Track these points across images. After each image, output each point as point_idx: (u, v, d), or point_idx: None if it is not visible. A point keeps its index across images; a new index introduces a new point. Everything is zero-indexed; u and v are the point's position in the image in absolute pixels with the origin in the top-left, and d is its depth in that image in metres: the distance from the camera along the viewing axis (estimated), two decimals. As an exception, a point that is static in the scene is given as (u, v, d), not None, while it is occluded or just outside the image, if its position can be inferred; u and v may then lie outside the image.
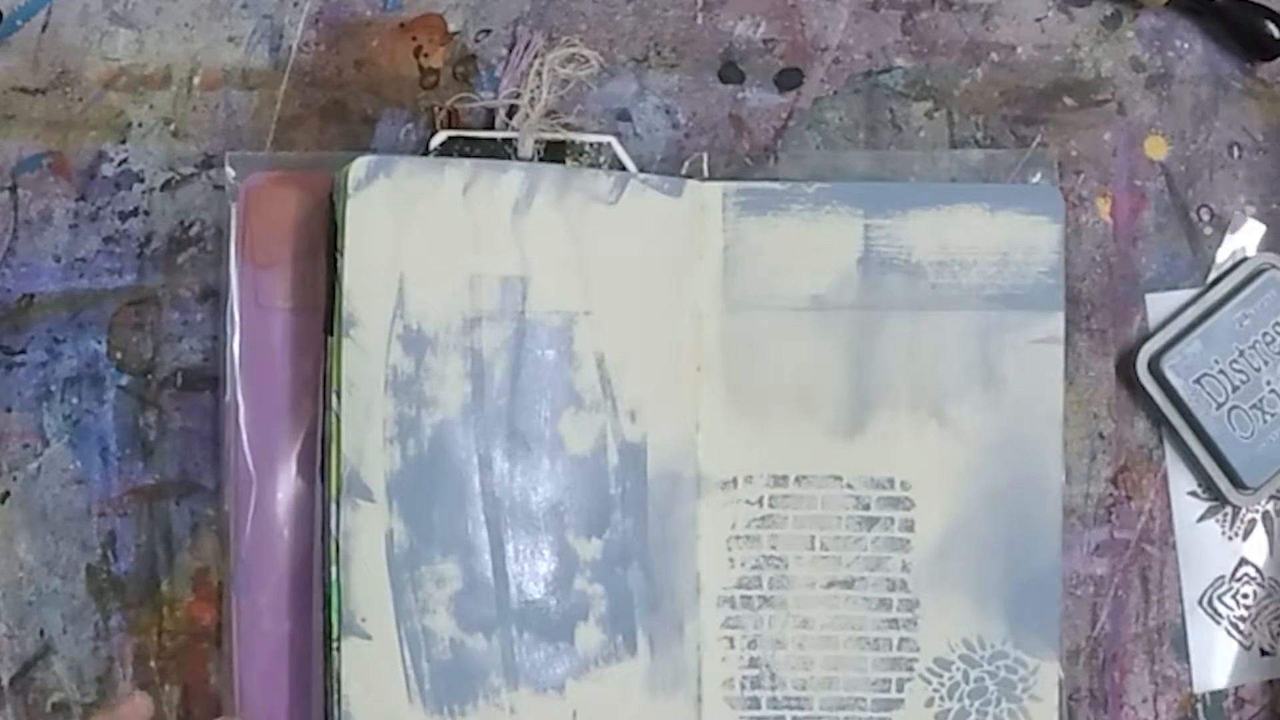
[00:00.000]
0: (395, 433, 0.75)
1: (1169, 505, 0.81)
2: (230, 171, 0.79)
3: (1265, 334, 0.79)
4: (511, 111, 0.80)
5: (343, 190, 0.75)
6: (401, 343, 0.76)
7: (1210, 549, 0.81)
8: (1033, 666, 0.78)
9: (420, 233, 0.76)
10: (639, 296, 0.77)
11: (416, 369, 0.76)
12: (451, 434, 0.76)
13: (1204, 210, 0.82)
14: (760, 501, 0.79)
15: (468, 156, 0.79)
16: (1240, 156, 0.82)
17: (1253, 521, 0.81)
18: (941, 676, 0.78)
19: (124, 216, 0.81)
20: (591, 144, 0.80)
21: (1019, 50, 0.82)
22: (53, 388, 0.80)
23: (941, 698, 0.78)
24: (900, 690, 0.79)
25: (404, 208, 0.76)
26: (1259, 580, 0.81)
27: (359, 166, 0.75)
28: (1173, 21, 0.83)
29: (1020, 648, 0.78)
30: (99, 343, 0.81)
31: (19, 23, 0.82)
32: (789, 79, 0.82)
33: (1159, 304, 0.81)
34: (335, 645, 0.75)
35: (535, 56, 0.81)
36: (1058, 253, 0.79)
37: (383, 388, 0.75)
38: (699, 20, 0.83)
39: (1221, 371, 0.79)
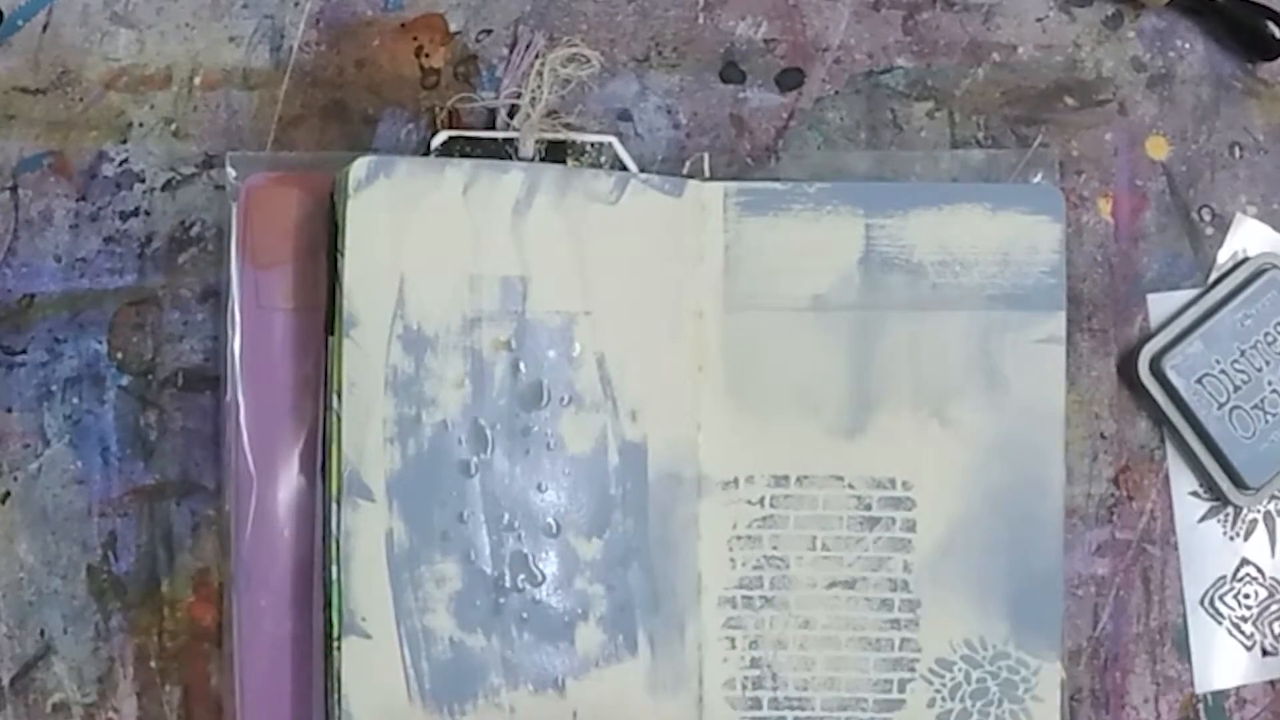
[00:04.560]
0: (395, 433, 0.75)
1: (1170, 505, 0.81)
2: (231, 172, 0.79)
3: (1267, 334, 0.79)
4: (512, 111, 0.80)
5: (343, 191, 0.75)
6: (401, 343, 0.76)
7: (1212, 549, 0.81)
8: (1035, 667, 0.78)
9: (420, 233, 0.76)
10: (639, 296, 0.77)
11: (416, 369, 0.76)
12: (451, 434, 0.76)
13: (1205, 210, 0.82)
14: (761, 502, 0.79)
15: (469, 156, 0.79)
16: (1241, 156, 0.82)
17: (1254, 522, 0.81)
18: (943, 677, 0.78)
19: (125, 216, 0.81)
20: (593, 144, 0.80)
21: (1020, 50, 0.82)
22: (53, 388, 0.80)
23: (943, 698, 0.78)
24: (902, 691, 0.78)
25: (404, 208, 0.76)
26: (1260, 580, 0.81)
27: (359, 167, 0.75)
28: (1174, 22, 0.83)
29: (1022, 648, 0.78)
30: (100, 343, 0.81)
31: (20, 23, 0.82)
32: (790, 79, 0.82)
33: (1160, 304, 0.81)
34: (336, 644, 0.75)
35: (536, 56, 0.81)
36: (1059, 252, 0.79)
37: (383, 388, 0.75)
38: (700, 20, 0.83)
39: (1223, 371, 0.79)
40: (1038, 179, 0.81)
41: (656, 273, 0.78)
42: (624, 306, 0.77)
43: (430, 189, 0.76)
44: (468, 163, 0.77)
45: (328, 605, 0.76)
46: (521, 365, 0.76)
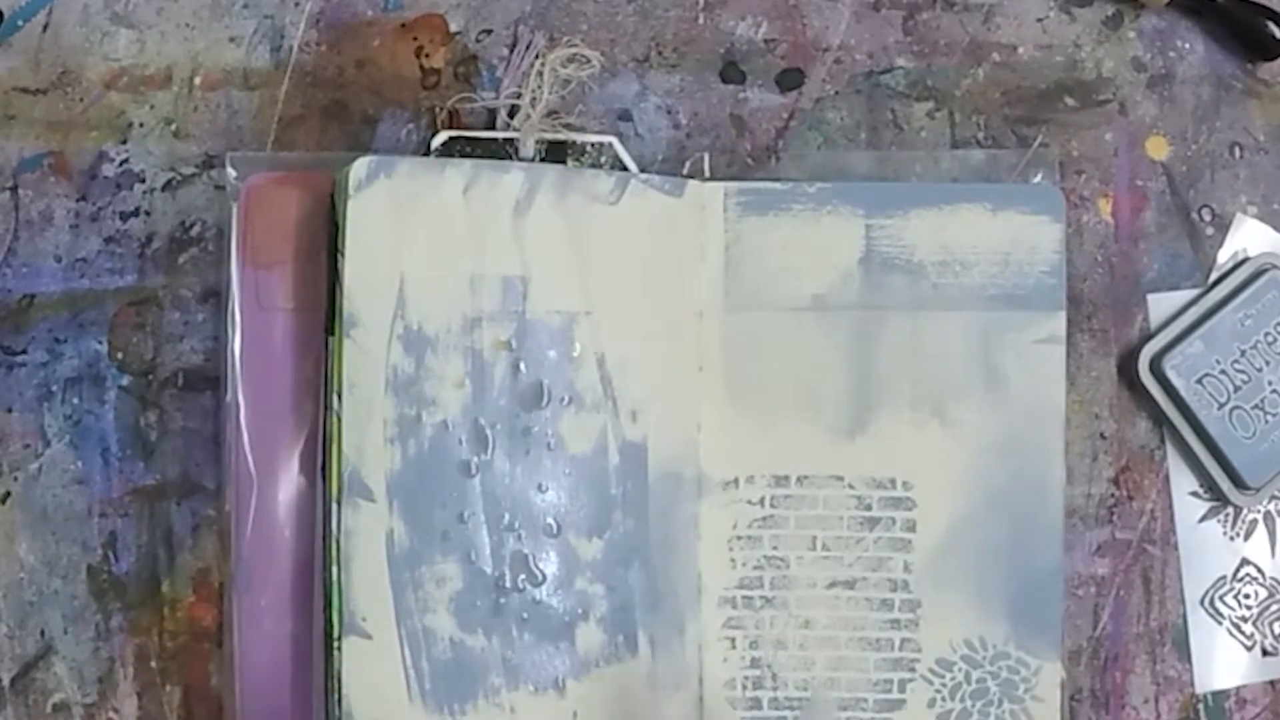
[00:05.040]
0: (395, 433, 0.75)
1: (1170, 505, 0.81)
2: (231, 172, 0.79)
3: (1267, 334, 0.79)
4: (513, 112, 0.80)
5: (344, 191, 0.75)
6: (402, 343, 0.76)
7: (1212, 549, 0.81)
8: (1035, 667, 0.78)
9: (421, 233, 0.76)
10: (640, 296, 0.77)
11: (417, 369, 0.76)
12: (452, 434, 0.76)
13: (1205, 210, 0.82)
14: (762, 502, 0.79)
15: (469, 157, 0.79)
16: (1241, 157, 0.82)
17: (1254, 522, 0.81)
18: (943, 677, 0.78)
19: (125, 217, 0.81)
20: (593, 144, 0.80)
21: (1020, 50, 0.82)
22: (54, 388, 0.80)
23: (943, 698, 0.78)
24: (902, 691, 0.78)
25: (405, 208, 0.76)
26: (1260, 580, 0.81)
27: (360, 167, 0.75)
28: (1174, 22, 0.83)
29: (1022, 648, 0.78)
30: (100, 343, 0.81)
31: (20, 23, 0.82)
32: (790, 79, 0.82)
33: (1160, 304, 0.81)
34: (336, 645, 0.75)
35: (536, 56, 0.81)
36: (1059, 252, 0.79)
37: (383, 388, 0.75)
38: (700, 20, 0.83)
39: (1223, 371, 0.79)
40: (1038, 179, 0.81)
41: (657, 273, 0.78)
42: (624, 306, 0.77)
43: (430, 189, 0.76)
44: (468, 163, 0.77)
45: (328, 605, 0.76)
46: (522, 365, 0.76)
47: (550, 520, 0.76)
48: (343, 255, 0.75)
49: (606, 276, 0.77)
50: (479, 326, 0.76)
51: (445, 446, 0.76)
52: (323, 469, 0.77)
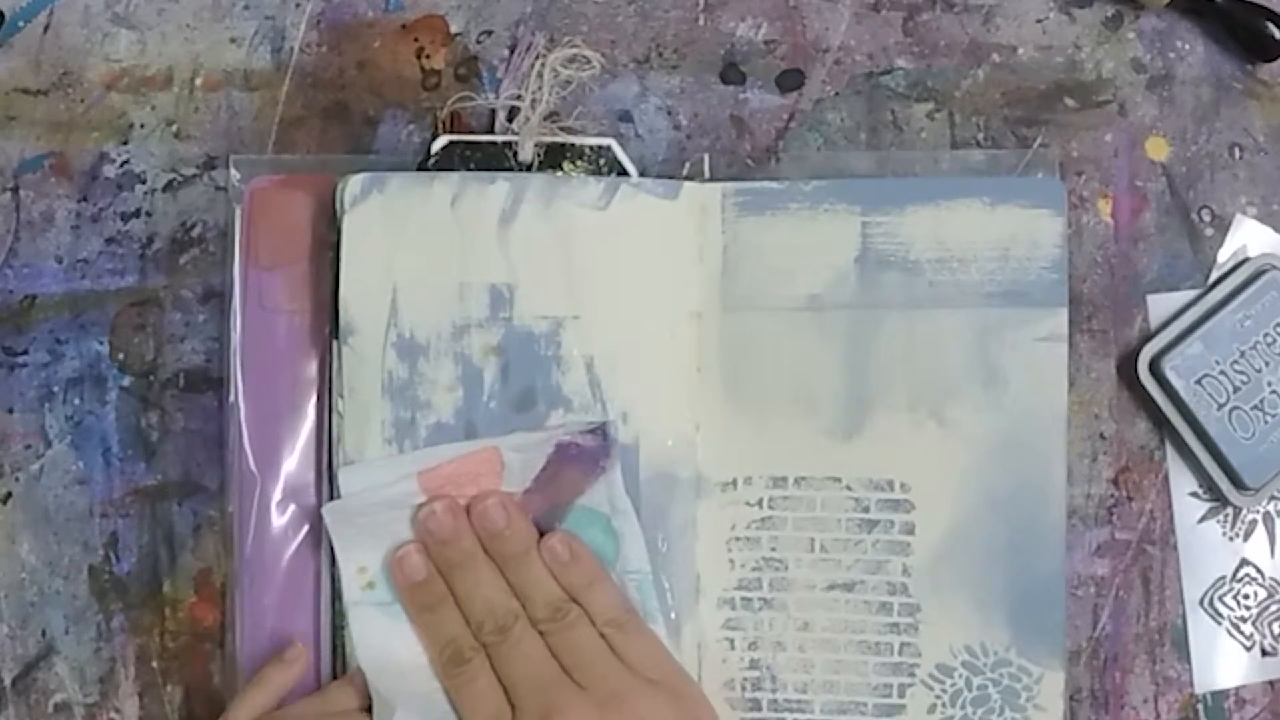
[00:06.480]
0: (393, 434, 0.76)
1: (1170, 506, 0.81)
2: (235, 174, 0.80)
3: (1266, 335, 0.79)
4: (512, 114, 0.80)
5: (340, 206, 0.76)
6: (396, 350, 0.76)
7: (1211, 549, 0.80)
8: (1037, 675, 0.77)
9: (411, 245, 0.77)
10: (632, 300, 0.77)
11: (410, 374, 0.76)
12: (445, 436, 0.76)
13: (1205, 211, 0.82)
14: (760, 503, 0.78)
15: (469, 160, 0.79)
16: (1241, 157, 0.82)
17: (1253, 522, 0.81)
18: (944, 683, 0.78)
19: (126, 217, 0.81)
20: (591, 147, 0.80)
21: (1020, 51, 0.82)
22: (55, 389, 0.81)
23: (944, 704, 0.78)
24: (902, 696, 0.78)
25: (396, 221, 0.77)
26: (1260, 581, 0.80)
27: (354, 184, 0.76)
28: (1174, 23, 0.83)
29: (1024, 655, 0.77)
30: (101, 344, 0.81)
31: (21, 24, 0.82)
32: (790, 80, 0.82)
33: (1160, 305, 0.81)
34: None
35: (537, 58, 0.81)
36: (1060, 247, 0.78)
37: (380, 392, 0.76)
38: (700, 21, 0.83)
39: (1222, 372, 0.79)
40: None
41: (650, 275, 0.78)
42: (615, 310, 0.77)
43: (420, 202, 0.77)
44: (455, 176, 0.78)
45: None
46: (511, 370, 0.77)
47: (541, 520, 0.76)
48: (339, 267, 0.76)
49: (595, 281, 0.77)
50: (468, 333, 0.77)
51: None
52: (328, 468, 0.77)
